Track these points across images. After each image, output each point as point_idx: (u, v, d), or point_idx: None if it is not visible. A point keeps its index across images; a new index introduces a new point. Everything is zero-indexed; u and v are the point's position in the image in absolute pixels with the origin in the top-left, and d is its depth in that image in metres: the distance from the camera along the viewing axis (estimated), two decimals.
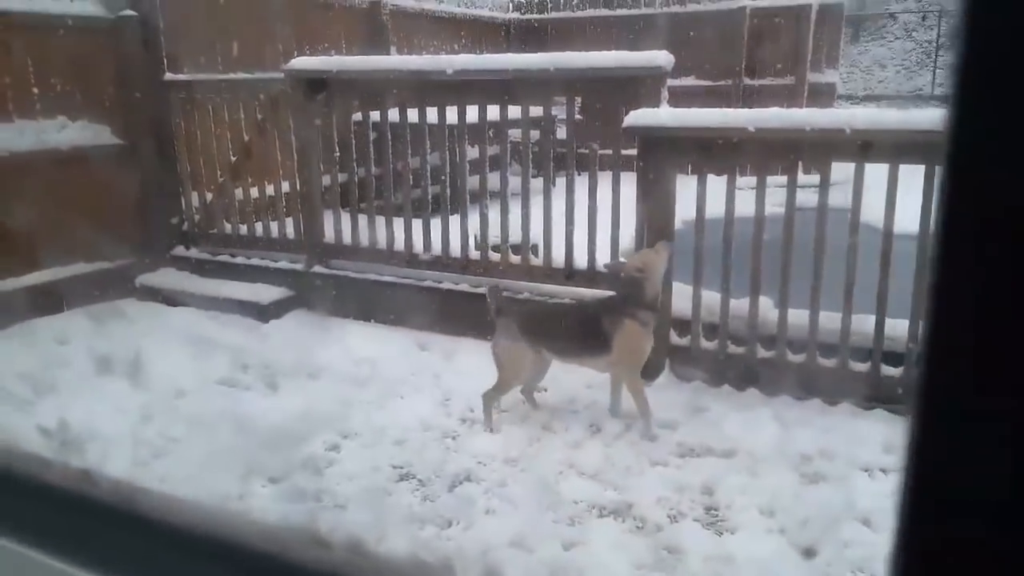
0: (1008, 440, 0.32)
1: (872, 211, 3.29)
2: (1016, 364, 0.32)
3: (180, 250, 5.29)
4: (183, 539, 0.54)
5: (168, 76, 5.09)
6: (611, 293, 3.44)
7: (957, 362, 0.33)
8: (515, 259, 4.26)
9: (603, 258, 3.90)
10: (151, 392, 3.55)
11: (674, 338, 3.71)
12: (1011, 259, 0.31)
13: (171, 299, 4.87)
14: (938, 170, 0.36)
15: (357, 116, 4.86)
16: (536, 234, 4.23)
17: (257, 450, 3.02)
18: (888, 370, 3.33)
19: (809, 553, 2.43)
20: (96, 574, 0.55)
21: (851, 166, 3.30)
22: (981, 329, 0.32)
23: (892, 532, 0.36)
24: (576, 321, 3.35)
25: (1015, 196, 0.31)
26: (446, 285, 4.41)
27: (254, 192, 5.14)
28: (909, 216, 3.16)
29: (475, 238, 4.43)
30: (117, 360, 3.79)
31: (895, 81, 18.94)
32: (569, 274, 4.11)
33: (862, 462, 2.92)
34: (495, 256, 4.30)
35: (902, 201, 3.20)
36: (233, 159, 5.08)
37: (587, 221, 3.99)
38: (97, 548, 0.58)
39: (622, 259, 3.55)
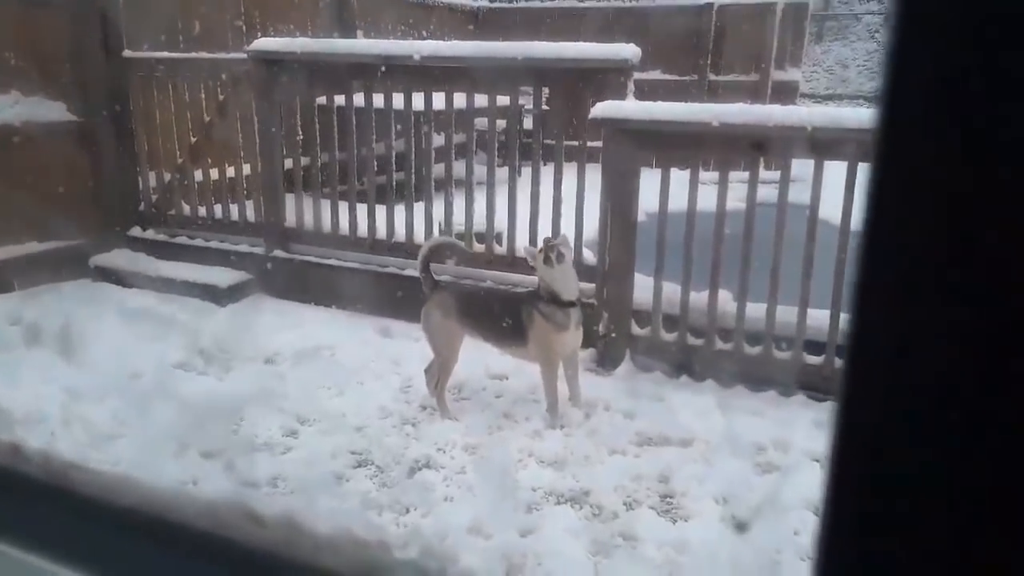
0: (929, 426, 0.33)
1: (830, 207, 3.35)
2: (930, 351, 0.33)
3: (136, 231, 5.17)
4: (118, 516, 0.53)
5: (127, 53, 4.97)
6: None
7: (878, 351, 0.34)
8: (479, 247, 4.26)
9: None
10: (103, 375, 3.48)
11: (635, 329, 3.75)
12: (932, 252, 0.32)
13: (126, 281, 4.77)
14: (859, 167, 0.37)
15: (322, 100, 4.79)
16: (500, 223, 4.23)
17: (211, 435, 2.98)
18: (841, 363, 3.40)
19: (760, 540, 2.48)
20: (25, 551, 0.53)
21: (811, 163, 3.36)
22: (901, 320, 0.33)
23: (819, 517, 0.37)
24: (503, 310, 3.34)
25: (938, 194, 0.32)
26: (408, 272, 4.38)
27: (214, 174, 5.05)
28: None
29: (439, 226, 4.41)
30: (68, 342, 3.70)
31: (857, 81, 19.26)
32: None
33: (814, 453, 2.98)
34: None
35: (859, 198, 3.26)
36: (193, 140, 4.98)
37: (551, 211, 4.00)
38: (26, 525, 0.56)
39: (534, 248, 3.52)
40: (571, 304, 3.20)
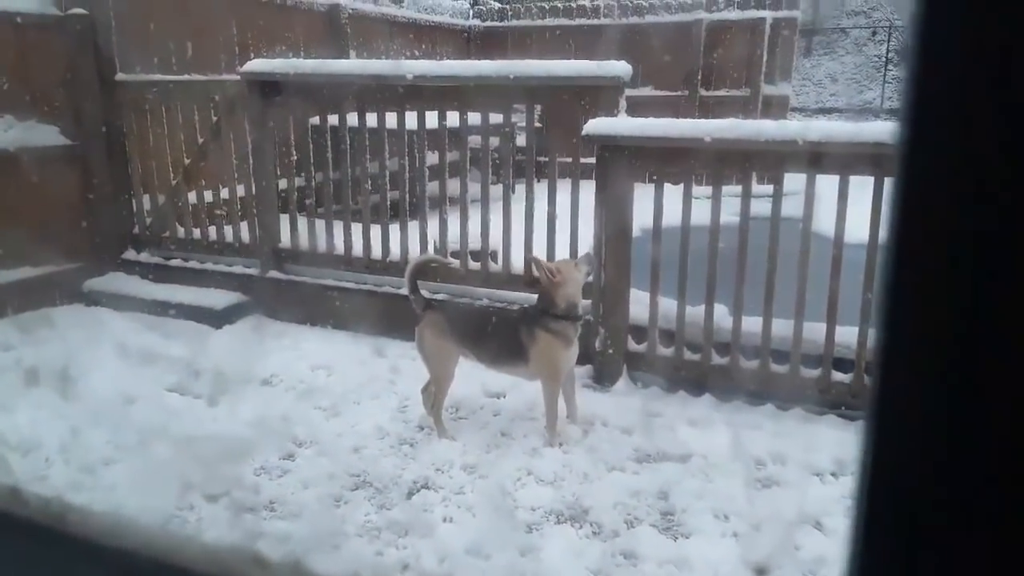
0: (958, 441, 0.33)
1: (823, 221, 3.36)
2: (965, 367, 0.32)
3: (131, 254, 5.16)
4: (117, 560, 0.52)
5: (120, 76, 4.98)
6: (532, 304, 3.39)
7: (908, 366, 0.34)
8: (474, 265, 4.26)
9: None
10: (99, 400, 3.46)
11: (631, 345, 3.74)
12: (960, 267, 0.32)
13: (120, 305, 4.75)
14: (887, 181, 0.37)
15: (315, 120, 4.81)
16: (495, 241, 4.24)
17: (208, 459, 2.96)
18: (838, 376, 3.41)
19: (762, 557, 2.47)
20: None
21: (803, 177, 3.37)
22: (931, 335, 0.33)
23: (848, 541, 0.36)
24: (498, 329, 3.30)
25: (962, 207, 0.32)
26: (404, 291, 4.38)
27: (208, 195, 5.05)
28: (858, 226, 3.24)
29: (434, 244, 4.41)
30: (62, 367, 3.68)
31: (846, 94, 19.43)
32: (529, 280, 4.11)
33: (814, 466, 2.97)
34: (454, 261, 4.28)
35: (851, 211, 3.28)
36: (187, 162, 4.98)
37: (546, 228, 4.00)
38: (25, 569, 0.55)
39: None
40: (580, 317, 3.21)
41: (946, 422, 0.33)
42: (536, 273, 3.23)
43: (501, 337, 3.25)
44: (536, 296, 3.30)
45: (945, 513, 0.34)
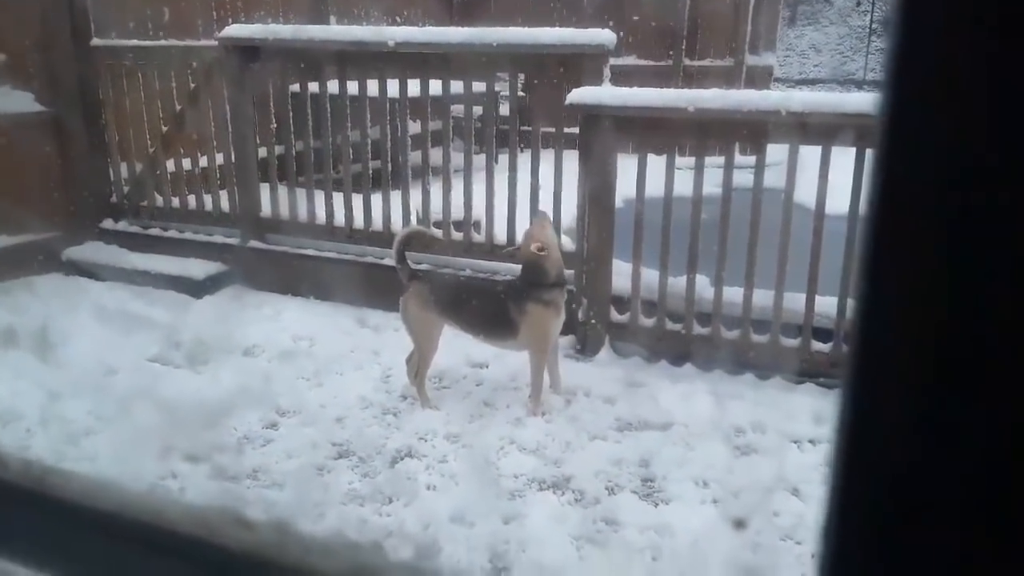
0: (936, 438, 0.33)
1: (805, 192, 3.38)
2: (945, 361, 0.32)
3: (109, 223, 5.09)
4: (98, 521, 0.52)
5: (96, 41, 4.87)
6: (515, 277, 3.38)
7: (885, 348, 0.34)
8: (457, 236, 4.24)
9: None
10: (78, 370, 3.43)
11: (614, 315, 3.76)
12: (943, 244, 0.32)
13: (99, 274, 4.70)
14: (868, 153, 0.36)
15: (295, 87, 4.73)
16: (478, 211, 4.22)
17: (190, 429, 2.96)
18: (818, 345, 3.45)
19: (741, 522, 2.52)
20: (5, 559, 0.52)
21: (786, 147, 3.38)
22: (912, 314, 0.33)
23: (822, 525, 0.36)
24: (485, 302, 3.30)
25: (944, 181, 0.31)
26: (387, 260, 4.36)
27: (187, 163, 4.97)
28: (840, 197, 3.25)
29: (416, 214, 4.39)
30: (40, 337, 3.65)
31: (830, 65, 19.40)
32: (511, 251, 4.10)
33: (792, 434, 3.02)
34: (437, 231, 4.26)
35: (833, 182, 3.30)
36: (165, 129, 4.90)
37: (529, 198, 3.99)
38: (5, 532, 0.55)
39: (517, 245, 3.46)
40: (567, 282, 3.21)
41: (928, 418, 0.33)
42: (534, 250, 3.16)
43: (489, 310, 3.25)
44: (520, 268, 3.29)
45: (917, 511, 0.34)
